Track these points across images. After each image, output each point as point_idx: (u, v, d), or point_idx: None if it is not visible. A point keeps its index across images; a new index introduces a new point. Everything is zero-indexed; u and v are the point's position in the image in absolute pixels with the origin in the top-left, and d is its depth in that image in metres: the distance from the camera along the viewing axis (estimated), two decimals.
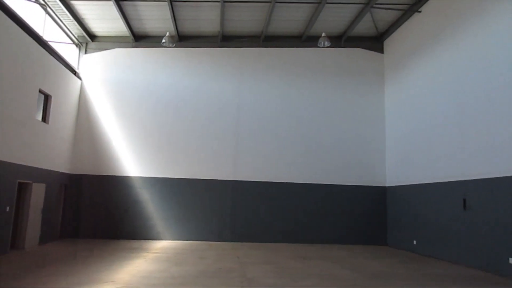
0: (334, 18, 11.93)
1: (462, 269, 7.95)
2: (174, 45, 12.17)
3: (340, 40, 13.04)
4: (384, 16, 11.95)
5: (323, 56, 13.14)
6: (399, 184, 11.71)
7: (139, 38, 12.84)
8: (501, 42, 7.77)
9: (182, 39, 12.89)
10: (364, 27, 12.56)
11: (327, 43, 11.93)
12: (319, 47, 12.46)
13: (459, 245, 8.68)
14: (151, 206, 11.97)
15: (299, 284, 6.05)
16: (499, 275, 7.33)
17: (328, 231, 12.21)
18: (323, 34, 11.87)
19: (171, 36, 11.87)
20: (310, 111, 12.85)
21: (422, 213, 10.29)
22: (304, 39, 12.90)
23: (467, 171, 8.54)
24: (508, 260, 7.19)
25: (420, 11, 10.88)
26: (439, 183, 9.56)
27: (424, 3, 10.66)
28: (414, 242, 10.57)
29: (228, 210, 12.14)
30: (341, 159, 12.63)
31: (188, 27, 12.48)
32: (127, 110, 12.43)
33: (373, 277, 6.82)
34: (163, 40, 11.66)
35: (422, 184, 10.36)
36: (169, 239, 11.75)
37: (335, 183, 12.47)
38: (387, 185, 12.49)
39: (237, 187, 12.28)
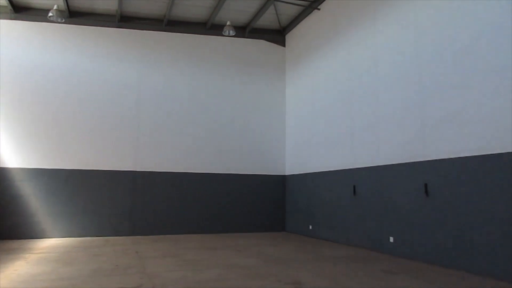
0: (239, 8, 11.92)
1: (352, 249, 8.70)
2: (63, 21, 10.90)
3: (244, 30, 13.12)
4: (287, 11, 12.34)
5: (228, 45, 13.09)
6: (297, 173, 12.32)
7: (20, 9, 11.20)
8: (387, 43, 8.57)
9: (73, 15, 11.60)
10: (268, 19, 12.82)
11: (232, 32, 11.88)
12: (224, 35, 12.37)
13: (349, 227, 9.47)
14: (35, 201, 10.63)
15: (203, 276, 5.93)
16: (382, 252, 8.21)
17: (232, 221, 12.31)
18: (228, 23, 11.80)
19: (59, 10, 10.60)
20: (214, 100, 12.74)
21: (317, 200, 10.99)
22: (209, 26, 12.66)
23: (357, 160, 9.33)
24: (389, 239, 8.07)
25: (319, 9, 11.47)
26: (333, 171, 10.29)
27: (323, 1, 11.26)
28: (310, 227, 11.25)
29: (128, 203, 11.42)
30: (245, 149, 12.81)
31: (81, 2, 11.27)
32: (4, 91, 10.78)
33: (276, 263, 7.04)
34: (50, 14, 10.35)
35: (317, 172, 11.05)
36: (58, 237, 10.61)
37: (238, 173, 12.61)
38: (286, 173, 13.05)
39: (138, 178, 11.61)
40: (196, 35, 12.78)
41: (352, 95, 9.72)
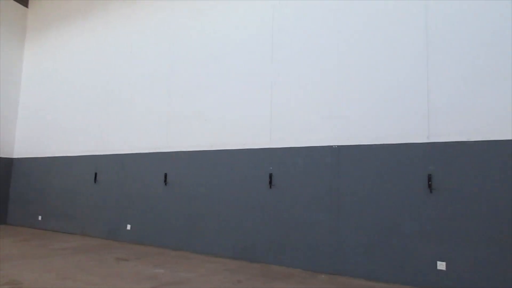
0: None
1: (87, 240, 8.28)
2: None
3: None
4: None
5: None
6: (29, 156, 10.71)
7: None
8: (143, 32, 8.66)
9: None
10: None
11: None
12: None
13: (87, 217, 8.98)
14: None
15: None
16: (119, 240, 8.20)
17: None
18: None
19: None
20: None
21: (52, 188, 9.89)
22: None
23: (104, 146, 8.97)
24: (126, 226, 8.15)
25: None
26: (74, 156, 9.52)
27: None
28: (40, 217, 10.00)
29: None
30: None
31: None
32: None
33: None
34: None
35: (56, 157, 9.95)
36: None
37: None
38: (14, 156, 11.12)
39: None
40: None
41: (106, 79, 9.27)
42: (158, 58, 8.30)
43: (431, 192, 5.01)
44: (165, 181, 7.68)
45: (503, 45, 4.80)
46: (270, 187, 6.33)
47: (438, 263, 4.88)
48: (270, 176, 6.34)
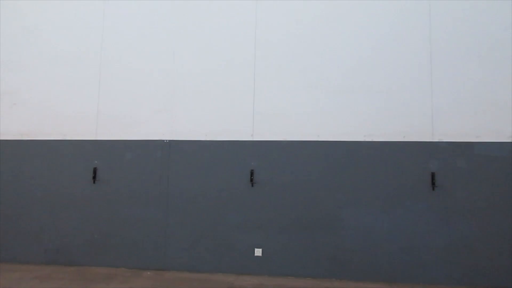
0: None
1: None
2: None
3: None
4: None
5: None
6: None
7: None
8: None
9: None
10: None
11: None
12: None
13: None
14: None
15: None
16: None
17: None
18: None
19: None
20: None
21: None
22: None
23: None
24: None
25: None
26: None
27: None
28: None
29: None
30: None
31: None
32: None
33: None
34: None
35: None
36: None
37: None
38: None
39: None
40: None
41: None
42: None
43: (252, 186, 5.47)
44: None
45: (316, 63, 5.62)
46: (94, 182, 5.83)
47: (256, 250, 5.37)
48: (95, 170, 5.84)
